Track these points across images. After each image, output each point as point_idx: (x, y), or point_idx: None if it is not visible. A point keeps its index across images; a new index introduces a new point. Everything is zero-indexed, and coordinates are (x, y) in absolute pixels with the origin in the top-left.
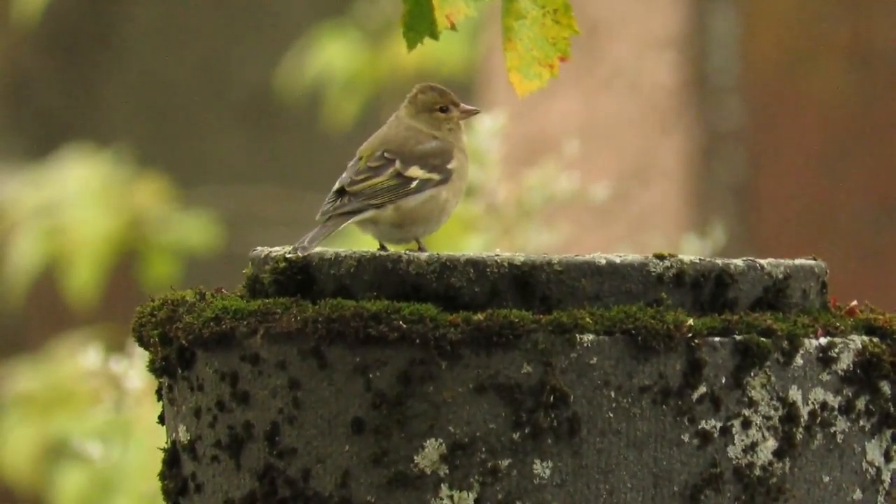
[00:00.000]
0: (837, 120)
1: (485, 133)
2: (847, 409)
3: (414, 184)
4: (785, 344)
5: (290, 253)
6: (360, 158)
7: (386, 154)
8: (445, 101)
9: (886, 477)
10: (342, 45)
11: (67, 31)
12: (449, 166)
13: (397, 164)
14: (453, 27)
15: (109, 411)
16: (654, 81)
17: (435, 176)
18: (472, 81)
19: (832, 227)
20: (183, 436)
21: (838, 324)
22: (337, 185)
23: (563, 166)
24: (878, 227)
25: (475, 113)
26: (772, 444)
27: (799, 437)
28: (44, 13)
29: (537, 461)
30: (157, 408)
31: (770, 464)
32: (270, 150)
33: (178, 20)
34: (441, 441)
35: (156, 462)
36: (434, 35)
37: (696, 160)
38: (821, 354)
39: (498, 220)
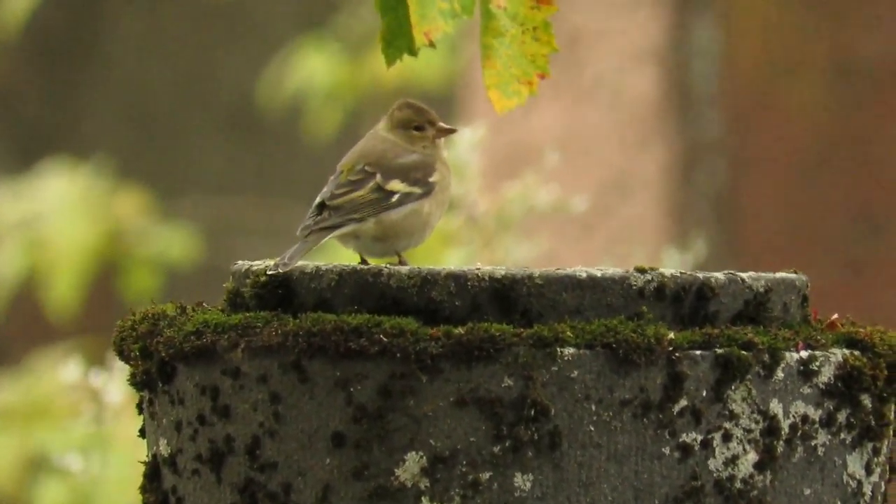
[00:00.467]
0: (818, 131)
1: (464, 146)
2: (828, 422)
3: (395, 197)
4: (766, 357)
5: (270, 270)
6: (341, 172)
7: (367, 168)
8: (421, 120)
9: (867, 490)
10: (323, 56)
11: (50, 41)
12: (431, 179)
13: (378, 177)
14: (432, 44)
15: (89, 424)
16: (635, 93)
17: (416, 189)
18: (452, 93)
19: (813, 239)
20: (164, 449)
21: (819, 337)
22: (318, 200)
23: (544, 178)
24: (859, 238)
25: (452, 132)
26: (753, 457)
27: (780, 450)
28: (27, 23)
29: (518, 474)
30: (138, 421)
31: (751, 477)
32: (252, 161)
33: (160, 31)
34: (422, 454)
35: (136, 475)
36: (413, 52)
37: (676, 171)
38: (802, 368)
39: (478, 232)
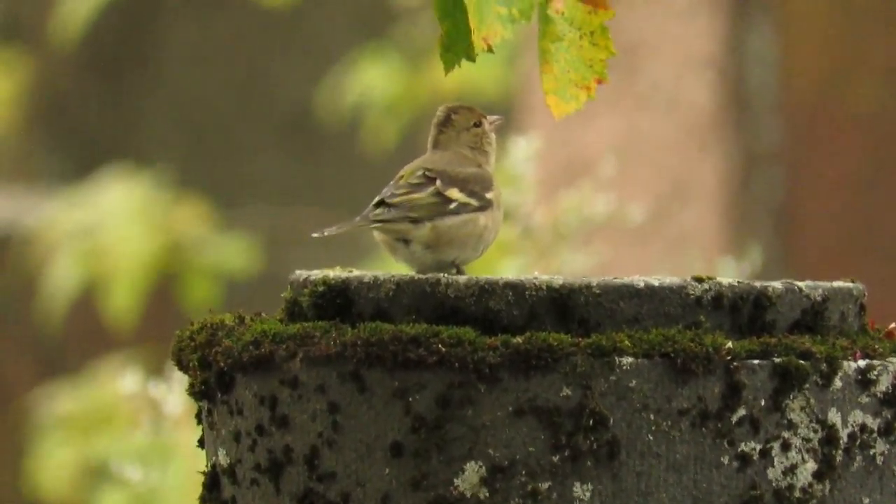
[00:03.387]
0: (877, 139)
1: (520, 155)
2: (886, 431)
3: (453, 205)
4: (823, 366)
5: (315, 233)
6: (401, 176)
7: (427, 173)
8: (477, 117)
9: None
10: (382, 67)
11: (106, 51)
12: (488, 195)
13: (438, 183)
14: (490, 49)
15: (149, 434)
16: (692, 101)
17: (473, 201)
18: (510, 104)
19: (872, 248)
20: (223, 459)
21: (877, 346)
22: (377, 199)
23: (600, 187)
24: None
25: (501, 121)
26: (811, 466)
27: (838, 459)
28: (83, 34)
29: (577, 484)
30: (197, 431)
31: (810, 486)
32: (310, 171)
33: (217, 40)
34: (481, 464)
35: (195, 485)
36: (471, 57)
37: (734, 180)
38: (859, 377)
39: (534, 242)
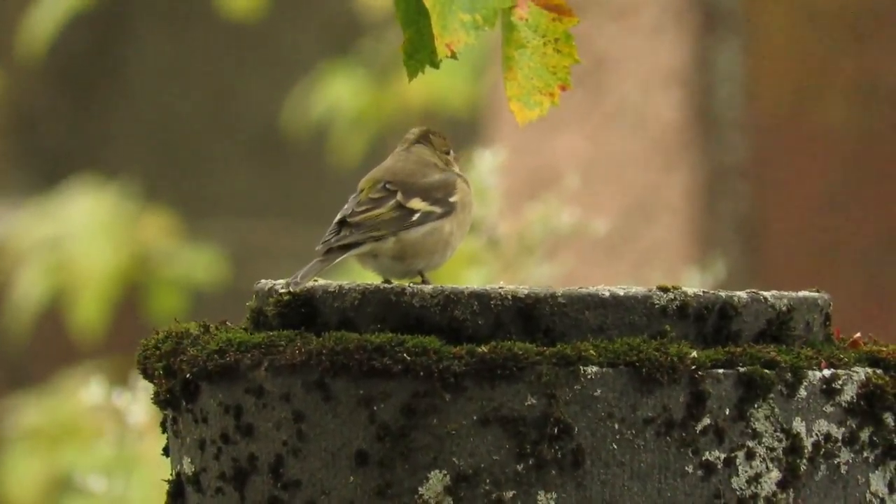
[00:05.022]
0: (842, 155)
1: (486, 168)
2: (851, 440)
3: (416, 216)
4: (788, 376)
5: (282, 287)
6: (362, 190)
7: (388, 186)
8: (449, 146)
9: None
10: (349, 81)
11: (74, 65)
12: (451, 199)
13: (399, 195)
14: (454, 56)
15: (113, 445)
16: (659, 117)
17: (437, 209)
18: (475, 118)
19: (837, 262)
20: (187, 468)
21: (842, 356)
22: (338, 217)
23: (568, 200)
24: (883, 261)
25: (458, 158)
26: (776, 475)
27: (803, 468)
28: (51, 47)
29: (541, 493)
30: (161, 441)
31: (774, 495)
32: (277, 184)
33: (185, 55)
34: (445, 473)
35: (160, 495)
36: (434, 64)
37: (701, 196)
38: (824, 386)
39: (499, 254)
